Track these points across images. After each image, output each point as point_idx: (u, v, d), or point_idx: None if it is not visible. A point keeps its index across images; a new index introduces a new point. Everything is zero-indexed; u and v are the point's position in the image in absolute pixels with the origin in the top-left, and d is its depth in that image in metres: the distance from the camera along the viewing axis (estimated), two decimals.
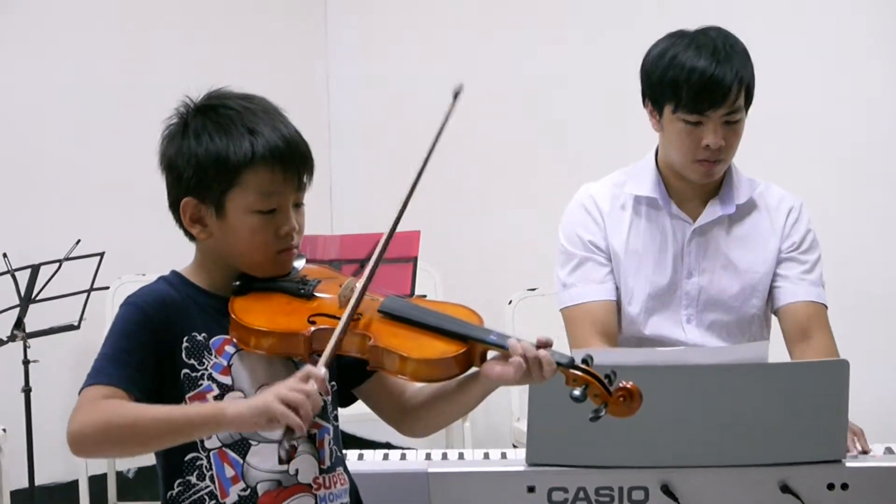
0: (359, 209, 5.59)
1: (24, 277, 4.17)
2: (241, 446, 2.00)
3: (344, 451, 2.17)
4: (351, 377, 2.14)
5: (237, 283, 2.06)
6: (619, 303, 2.88)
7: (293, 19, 5.69)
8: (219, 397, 1.99)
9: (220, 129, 2.02)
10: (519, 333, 2.01)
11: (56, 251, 4.26)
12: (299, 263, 2.09)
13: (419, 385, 2.11)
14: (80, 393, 1.95)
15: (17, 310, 4.20)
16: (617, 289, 2.87)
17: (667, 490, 2.40)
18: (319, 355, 1.93)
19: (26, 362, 4.27)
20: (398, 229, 2.07)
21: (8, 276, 4.15)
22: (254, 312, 2.00)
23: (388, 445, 4.49)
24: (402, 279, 3.82)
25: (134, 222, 4.88)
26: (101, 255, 4.26)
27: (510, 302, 4.23)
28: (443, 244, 4.67)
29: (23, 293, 4.18)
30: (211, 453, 2.00)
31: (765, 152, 3.48)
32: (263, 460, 2.00)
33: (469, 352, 1.99)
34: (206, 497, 2.00)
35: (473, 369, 2.02)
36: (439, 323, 2.01)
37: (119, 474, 4.79)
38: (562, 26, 4.74)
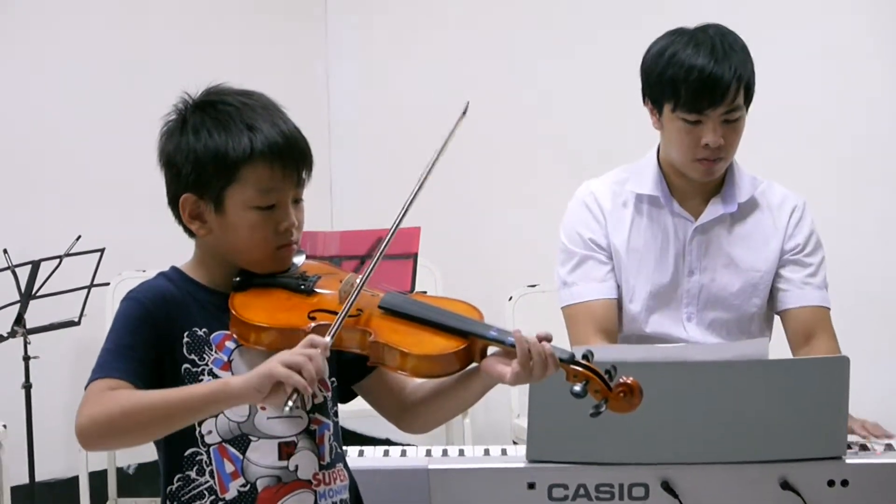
0: (358, 206, 5.59)
1: (24, 273, 4.17)
2: (241, 442, 2.00)
3: (344, 448, 2.18)
4: (351, 373, 2.15)
5: (237, 278, 2.06)
6: (619, 301, 2.87)
7: (293, 19, 5.68)
8: None
9: (218, 125, 2.02)
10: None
11: (56, 247, 4.26)
12: (299, 259, 2.09)
13: (419, 381, 2.11)
14: (85, 388, 1.94)
15: (18, 306, 4.20)
16: (618, 287, 2.87)
17: (667, 487, 2.40)
18: None
19: (26, 358, 4.27)
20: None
21: (8, 272, 4.16)
22: (254, 308, 2.00)
23: (388, 442, 4.49)
24: (403, 275, 3.82)
25: (134, 219, 4.88)
26: (102, 251, 4.26)
27: (510, 298, 4.23)
28: (443, 240, 4.67)
29: (23, 289, 4.18)
30: (211, 448, 2.00)
31: (765, 151, 3.48)
32: (263, 456, 2.00)
33: (469, 348, 1.99)
34: (205, 492, 2.00)
35: (474, 365, 2.02)
36: (440, 319, 2.02)
37: (119, 470, 4.79)
38: (562, 26, 4.74)
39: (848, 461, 2.41)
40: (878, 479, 2.42)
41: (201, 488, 2.00)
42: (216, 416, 1.99)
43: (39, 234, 4.71)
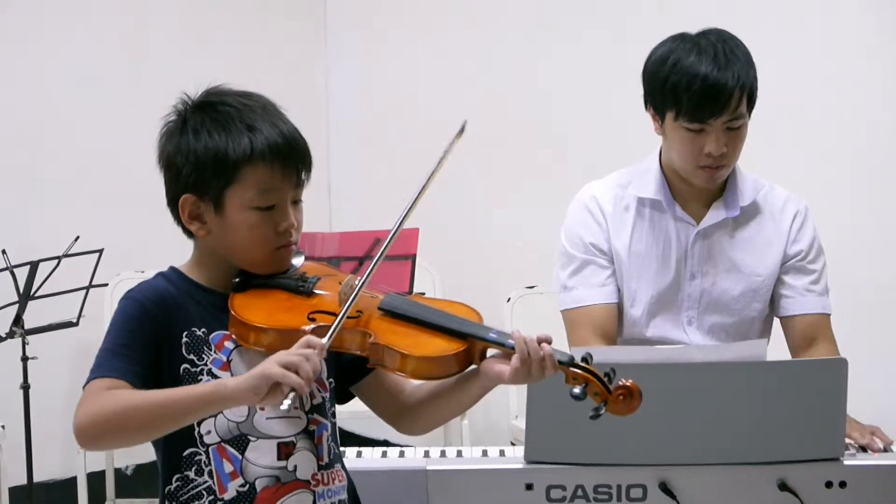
0: (357, 207, 5.59)
1: (22, 274, 4.17)
2: (240, 442, 2.00)
3: (342, 448, 2.18)
4: (349, 375, 2.15)
5: (236, 279, 2.06)
6: (620, 305, 2.87)
7: (293, 20, 5.69)
8: None
9: (218, 125, 2.02)
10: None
11: (55, 248, 4.26)
12: (298, 260, 2.09)
13: (417, 382, 2.11)
14: (83, 388, 1.94)
15: (16, 306, 4.20)
16: (618, 291, 2.87)
17: (665, 488, 2.40)
18: None
19: (25, 359, 4.27)
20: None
21: (7, 272, 4.16)
22: (253, 309, 2.01)
23: (386, 443, 4.49)
24: (401, 276, 3.82)
25: (132, 219, 4.88)
26: (100, 251, 4.26)
27: (509, 300, 4.23)
28: (442, 242, 4.66)
29: (21, 290, 4.18)
30: (210, 448, 2.00)
31: (764, 151, 3.48)
32: (262, 456, 2.00)
33: (469, 350, 2.00)
34: (204, 492, 2.00)
35: (473, 367, 2.02)
36: (439, 320, 2.02)
37: (117, 471, 4.79)
38: (561, 26, 4.74)
39: (846, 463, 2.42)
40: (877, 481, 2.43)
41: (200, 488, 2.00)
42: (215, 416, 1.99)
43: (38, 235, 4.71)
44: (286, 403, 1.82)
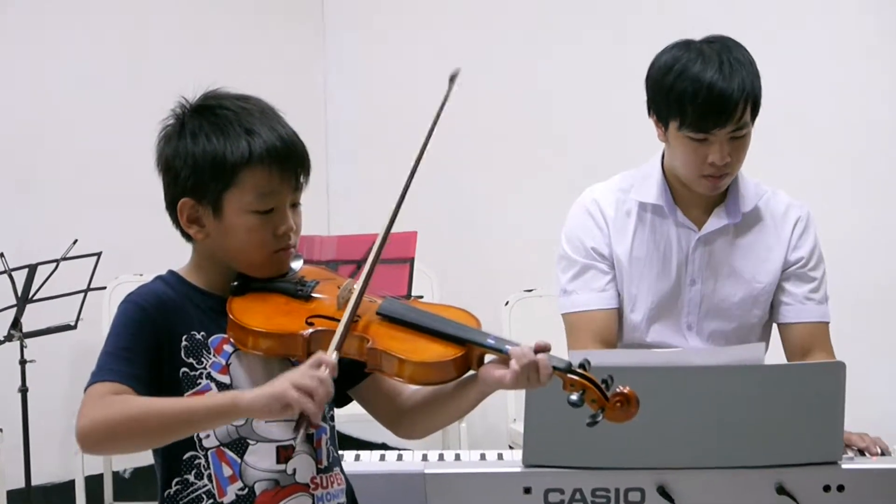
0: (355, 210, 5.59)
1: (21, 277, 4.18)
2: (239, 446, 2.00)
3: (340, 452, 2.18)
4: (347, 378, 2.14)
5: (235, 283, 2.06)
6: (620, 310, 2.87)
7: (291, 22, 5.69)
8: None
9: (216, 129, 2.02)
10: (516, 335, 2.01)
11: (53, 251, 4.26)
12: (297, 264, 2.09)
13: (415, 387, 2.11)
14: (85, 391, 1.94)
15: (14, 310, 4.20)
16: (619, 295, 2.86)
17: (663, 491, 2.40)
18: None
19: (23, 362, 4.28)
20: (395, 230, 2.08)
21: (5, 275, 4.16)
22: (251, 313, 2.00)
23: (384, 446, 4.49)
24: (399, 280, 3.82)
25: (131, 222, 4.88)
26: (98, 255, 4.27)
27: (507, 303, 4.23)
28: (440, 245, 4.67)
29: (20, 293, 4.18)
30: (209, 452, 2.00)
31: (764, 153, 3.48)
32: (261, 460, 2.00)
33: (467, 355, 1.99)
34: (203, 496, 2.00)
35: (471, 372, 2.02)
36: (438, 326, 2.02)
37: (115, 474, 4.79)
38: (561, 27, 4.74)
39: (844, 466, 2.42)
40: (874, 485, 2.43)
41: (199, 492, 2.00)
42: None
43: (36, 238, 4.71)
44: (300, 435, 1.85)
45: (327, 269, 2.23)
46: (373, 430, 2.22)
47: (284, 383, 1.83)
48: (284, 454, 2.01)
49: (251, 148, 2.00)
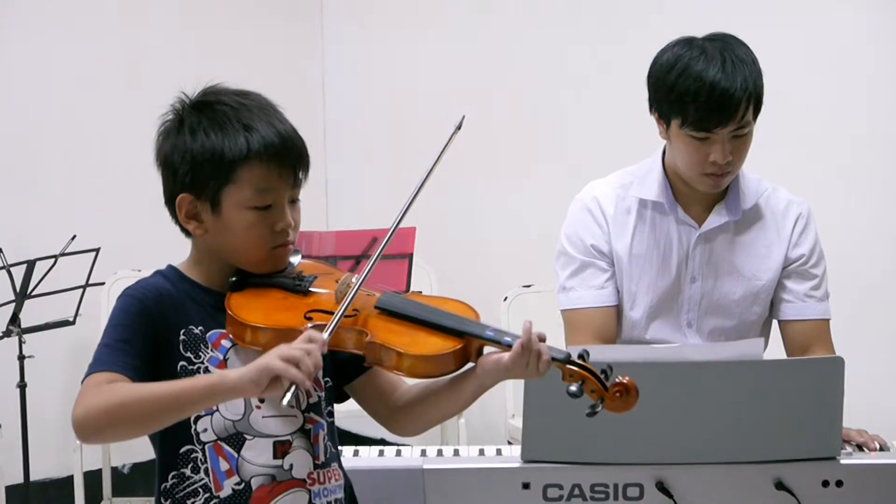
0: (354, 206, 5.59)
1: (19, 273, 4.18)
2: (236, 440, 2.00)
3: (339, 448, 2.18)
4: (343, 373, 2.15)
5: (233, 278, 2.06)
6: (619, 307, 2.86)
7: (289, 19, 5.69)
8: None
9: (215, 125, 2.02)
10: (514, 330, 2.01)
11: (52, 247, 4.26)
12: (295, 259, 2.10)
13: (410, 384, 2.11)
14: (82, 382, 1.94)
15: (13, 305, 4.20)
16: (618, 293, 2.86)
17: (661, 487, 2.40)
18: None
19: (21, 358, 4.27)
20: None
21: (3, 271, 4.16)
22: (250, 308, 2.01)
23: (383, 442, 4.48)
24: (398, 275, 3.82)
25: (129, 218, 4.88)
26: (97, 250, 4.26)
27: (505, 298, 4.23)
28: (438, 240, 4.67)
29: (18, 289, 4.18)
30: (206, 446, 2.00)
31: (763, 150, 3.48)
32: (258, 454, 2.00)
33: (465, 348, 2.00)
34: (199, 490, 2.00)
35: (470, 365, 2.02)
36: (436, 319, 2.02)
37: (114, 470, 4.79)
38: (560, 27, 4.74)
39: (842, 462, 2.42)
40: (873, 480, 2.43)
41: (196, 486, 2.00)
42: (211, 414, 1.99)
43: (35, 234, 4.71)
44: (286, 398, 1.82)
45: (326, 263, 2.23)
46: (372, 426, 2.22)
47: (270, 355, 1.85)
48: (281, 449, 2.02)
49: (249, 144, 2.00)
